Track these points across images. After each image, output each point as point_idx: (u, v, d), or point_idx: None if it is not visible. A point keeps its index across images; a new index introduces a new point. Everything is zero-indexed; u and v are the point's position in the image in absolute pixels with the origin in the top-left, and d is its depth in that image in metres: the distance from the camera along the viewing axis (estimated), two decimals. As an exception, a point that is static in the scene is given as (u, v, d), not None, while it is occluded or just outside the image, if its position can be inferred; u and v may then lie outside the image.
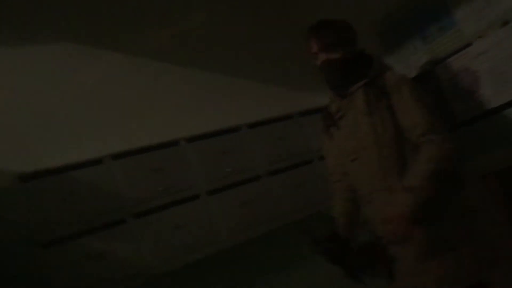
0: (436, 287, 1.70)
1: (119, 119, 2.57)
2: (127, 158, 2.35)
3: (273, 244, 2.73)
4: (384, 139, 1.80)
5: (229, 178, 2.55)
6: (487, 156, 2.33)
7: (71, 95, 2.48)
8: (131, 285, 2.17)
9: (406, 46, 2.61)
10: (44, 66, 2.46)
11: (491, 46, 2.23)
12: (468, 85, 2.35)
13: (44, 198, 2.12)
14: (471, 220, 1.77)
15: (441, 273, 1.70)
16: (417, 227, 1.70)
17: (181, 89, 2.82)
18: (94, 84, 2.56)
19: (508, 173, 2.47)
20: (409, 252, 1.75)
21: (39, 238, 2.05)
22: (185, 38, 2.89)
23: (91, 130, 2.47)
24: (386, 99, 1.82)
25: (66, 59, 2.51)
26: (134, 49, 2.72)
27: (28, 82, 2.41)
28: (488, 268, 1.76)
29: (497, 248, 1.82)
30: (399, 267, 1.81)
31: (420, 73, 2.55)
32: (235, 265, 2.61)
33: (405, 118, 1.78)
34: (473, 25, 2.28)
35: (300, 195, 2.70)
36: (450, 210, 1.75)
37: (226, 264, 2.57)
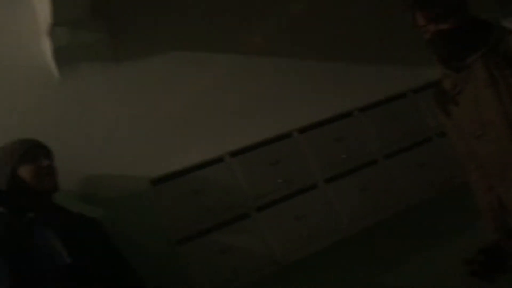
0: None
1: (233, 118, 2.65)
2: (244, 155, 2.43)
3: (397, 230, 2.66)
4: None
5: (345, 165, 2.53)
6: None
7: (187, 100, 2.62)
8: (261, 275, 2.25)
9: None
10: (162, 75, 2.62)
11: None
12: None
13: (174, 199, 2.25)
14: None
15: None
16: None
17: (288, 81, 2.83)
18: (206, 87, 2.67)
19: None
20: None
21: (174, 237, 2.20)
22: (287, 28, 2.90)
23: (209, 131, 2.59)
24: (509, 67, 1.66)
25: (180, 66, 2.65)
26: (238, 48, 2.79)
27: (149, 92, 2.58)
28: None
29: None
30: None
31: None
32: (359, 253, 2.59)
33: None
34: None
35: (421, 176, 2.58)
36: None
37: (350, 252, 2.57)
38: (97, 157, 2.38)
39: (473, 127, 1.77)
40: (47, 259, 1.60)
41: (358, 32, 3.01)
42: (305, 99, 2.80)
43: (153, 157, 2.46)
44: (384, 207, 2.48)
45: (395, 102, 2.73)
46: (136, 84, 2.57)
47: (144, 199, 2.35)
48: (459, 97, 1.81)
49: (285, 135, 2.52)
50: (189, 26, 2.71)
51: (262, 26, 2.88)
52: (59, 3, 2.15)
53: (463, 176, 2.01)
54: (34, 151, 1.90)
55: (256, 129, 2.59)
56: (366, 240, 2.59)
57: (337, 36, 2.98)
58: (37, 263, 1.58)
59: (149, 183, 2.27)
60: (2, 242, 1.55)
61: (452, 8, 1.75)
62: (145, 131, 2.50)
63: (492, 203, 1.85)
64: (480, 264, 1.73)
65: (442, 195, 2.60)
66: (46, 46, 2.40)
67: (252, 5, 2.86)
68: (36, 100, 2.38)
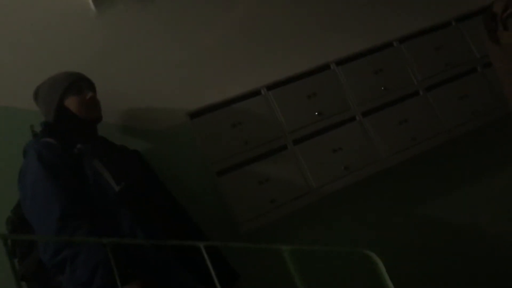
0: None
1: (270, 51, 2.61)
2: (282, 87, 2.41)
3: (436, 162, 2.64)
4: None
5: (384, 97, 2.48)
6: None
7: (222, 33, 2.58)
8: (298, 206, 2.29)
9: None
10: (198, 9, 2.59)
11: None
12: None
13: (212, 131, 2.28)
14: None
15: None
16: None
17: (324, 11, 2.75)
18: (241, 20, 2.62)
19: None
20: None
21: (213, 169, 2.24)
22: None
23: (246, 64, 2.56)
24: None
25: (214, 1, 2.61)
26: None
27: (186, 25, 2.56)
28: None
29: None
30: None
31: None
32: (397, 186, 2.59)
33: None
34: None
35: (465, 108, 2.51)
36: None
37: (388, 184, 2.57)
38: (136, 90, 2.40)
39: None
40: (97, 188, 1.66)
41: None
42: (343, 30, 2.72)
43: (191, 90, 2.47)
44: (424, 139, 2.44)
45: (439, 32, 2.62)
46: (173, 18, 2.54)
47: (183, 132, 2.38)
48: (510, 21, 1.72)
49: (322, 67, 2.48)
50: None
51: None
52: None
53: (506, 108, 1.95)
54: (78, 83, 1.93)
55: (293, 62, 2.56)
56: (405, 173, 2.58)
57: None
58: (88, 191, 1.64)
59: (187, 116, 2.28)
60: (57, 168, 1.61)
61: None
62: (182, 64, 2.50)
63: None
64: None
65: (484, 127, 2.53)
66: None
67: None
68: (74, 34, 2.39)
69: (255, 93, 2.39)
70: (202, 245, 0.74)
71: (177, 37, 2.52)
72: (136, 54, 2.45)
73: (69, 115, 1.87)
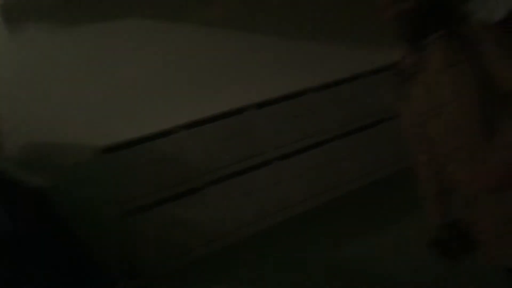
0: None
1: (189, 90, 2.62)
2: (199, 128, 2.39)
3: (345, 209, 2.71)
4: (467, 93, 1.69)
5: (299, 142, 2.54)
6: None
7: (143, 68, 2.55)
8: (212, 251, 2.24)
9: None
10: (119, 42, 2.55)
11: None
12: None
13: (125, 169, 2.21)
14: None
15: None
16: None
17: (248, 56, 2.81)
18: (164, 56, 2.61)
19: None
20: (497, 212, 1.66)
21: (123, 207, 2.15)
22: (251, 3, 2.86)
23: (164, 102, 2.53)
24: (468, 50, 1.69)
25: (136, 34, 2.57)
26: (201, 19, 2.73)
27: (105, 58, 2.50)
28: None
29: None
30: (483, 229, 1.73)
31: (500, 21, 2.37)
32: (308, 230, 2.61)
33: (491, 69, 1.65)
34: None
35: (373, 157, 2.64)
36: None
37: (299, 230, 2.58)
38: (47, 122, 2.28)
39: (428, 108, 1.81)
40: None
41: (321, 14, 3.01)
42: (263, 75, 2.78)
43: (106, 126, 2.39)
44: (335, 186, 2.51)
45: (352, 83, 2.75)
46: (91, 49, 2.47)
47: (94, 168, 2.27)
48: (417, 78, 1.84)
49: (240, 110, 2.51)
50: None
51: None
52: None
53: (410, 161, 2.05)
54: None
55: (213, 103, 2.56)
56: (317, 218, 2.61)
57: (300, 16, 2.97)
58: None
59: (100, 151, 2.19)
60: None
61: None
62: (98, 98, 2.41)
63: (438, 187, 1.91)
64: (446, 243, 1.82)
65: (392, 176, 2.66)
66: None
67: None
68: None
69: (171, 131, 2.35)
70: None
71: (94, 69, 2.45)
72: (49, 83, 2.34)
73: None
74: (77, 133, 2.32)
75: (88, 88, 2.41)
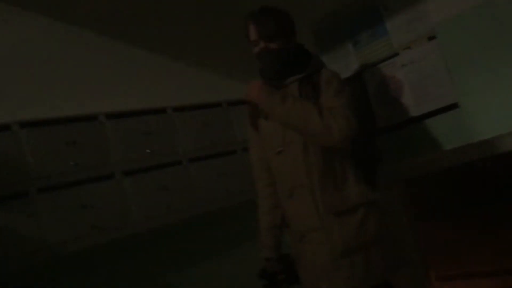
0: (346, 286, 1.73)
1: (36, 85, 2.38)
2: (38, 128, 2.16)
3: (187, 234, 2.68)
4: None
5: (148, 160, 2.45)
6: (401, 164, 2.45)
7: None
8: (31, 263, 2.00)
9: (338, 48, 2.66)
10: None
11: (417, 58, 2.33)
12: (392, 93, 2.45)
13: None
14: (381, 222, 1.83)
15: (351, 271, 1.74)
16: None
17: (107, 61, 2.66)
18: (13, 45, 2.34)
19: (417, 182, 2.62)
20: (323, 250, 1.77)
21: None
22: (117, 10, 2.74)
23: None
24: (316, 96, 1.82)
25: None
26: (61, 13, 2.52)
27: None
28: (393, 270, 1.84)
29: (401, 251, 1.91)
30: (311, 267, 1.83)
31: (350, 77, 2.61)
32: (145, 251, 2.52)
33: (323, 103, 1.78)
34: (402, 36, 2.38)
35: (221, 185, 2.65)
36: (364, 211, 1.79)
37: (135, 249, 2.48)
38: None
39: (276, 143, 1.89)
40: None
41: (191, 37, 3.01)
42: (121, 85, 2.68)
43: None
44: (179, 209, 2.46)
45: (210, 110, 2.77)
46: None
47: None
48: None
49: (90, 117, 2.34)
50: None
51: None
52: None
53: (254, 193, 2.11)
54: None
55: (60, 103, 2.37)
56: (154, 240, 2.53)
57: (168, 33, 2.93)
58: None
59: None
60: None
61: (284, 31, 1.87)
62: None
63: (276, 220, 1.99)
64: (273, 276, 1.88)
65: (237, 206, 2.70)
66: None
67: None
68: None
69: (4, 127, 2.08)
70: None
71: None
72: None
73: None
74: None
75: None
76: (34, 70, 2.41)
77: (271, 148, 1.93)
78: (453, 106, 2.23)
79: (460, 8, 2.14)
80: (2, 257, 1.92)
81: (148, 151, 2.45)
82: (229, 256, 2.80)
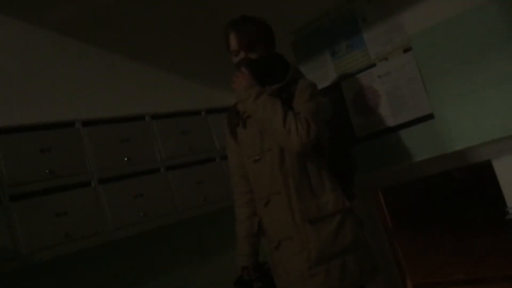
0: (320, 291, 1.74)
1: (11, 91, 2.35)
2: (10, 135, 2.11)
3: (164, 241, 2.66)
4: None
5: (125, 168, 2.42)
6: (377, 172, 2.48)
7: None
8: (4, 271, 1.96)
9: (317, 58, 2.69)
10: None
11: (393, 69, 2.38)
12: (369, 103, 2.48)
13: None
14: (357, 229, 1.85)
15: (326, 278, 1.75)
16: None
17: (85, 67, 2.64)
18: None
19: (393, 191, 2.65)
20: (299, 257, 1.78)
21: None
22: (97, 16, 2.73)
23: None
24: (289, 105, 1.83)
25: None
26: (36, 18, 2.49)
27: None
28: (368, 277, 1.85)
29: (377, 258, 1.93)
30: (287, 274, 1.83)
31: (328, 86, 2.64)
32: (119, 259, 2.49)
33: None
34: (379, 47, 2.42)
35: (199, 193, 2.63)
36: (340, 218, 1.81)
37: (111, 257, 2.44)
38: None
39: (254, 151, 1.89)
40: None
41: (170, 44, 3.02)
42: (99, 91, 2.64)
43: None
44: (156, 217, 2.44)
45: (189, 118, 2.76)
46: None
47: None
48: (248, 121, 1.93)
49: (66, 123, 2.30)
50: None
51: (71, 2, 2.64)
52: None
53: (232, 200, 2.12)
54: None
55: (33, 109, 2.32)
56: (129, 248, 2.51)
57: (149, 40, 2.93)
58: None
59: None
60: None
61: (264, 40, 1.89)
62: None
63: (253, 229, 1.99)
64: (248, 283, 1.89)
65: (213, 213, 2.69)
66: None
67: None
68: None
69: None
70: None
71: None
72: None
73: None
74: None
75: None
76: (9, 75, 2.36)
77: (248, 156, 1.93)
78: (429, 117, 2.28)
79: (435, 20, 2.20)
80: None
81: (125, 158, 2.42)
82: (207, 263, 2.79)
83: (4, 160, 2.07)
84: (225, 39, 1.92)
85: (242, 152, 2.00)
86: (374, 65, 2.46)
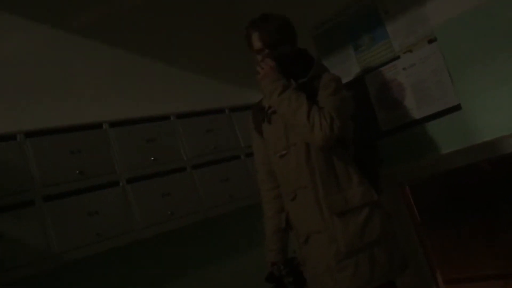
0: (350, 284, 1.74)
1: (40, 94, 2.41)
2: (42, 137, 2.18)
3: (191, 239, 2.68)
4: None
5: (151, 167, 2.45)
6: (405, 166, 2.45)
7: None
8: (38, 271, 2.01)
9: (339, 52, 2.67)
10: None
11: (418, 61, 2.35)
12: (393, 96, 2.46)
13: None
14: (386, 223, 1.84)
15: (356, 271, 1.74)
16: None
17: (111, 70, 2.69)
18: (12, 54, 2.37)
19: (420, 185, 2.62)
20: (328, 251, 1.78)
21: None
22: (120, 18, 2.78)
23: (4, 104, 2.28)
24: (314, 100, 1.83)
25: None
26: (62, 22, 2.55)
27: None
28: (398, 271, 1.84)
29: (406, 252, 1.91)
30: (316, 268, 1.83)
31: (351, 80, 2.62)
32: (149, 257, 2.52)
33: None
34: (402, 39, 2.39)
35: (225, 190, 2.65)
36: (368, 211, 1.80)
37: (139, 256, 2.48)
38: None
39: (279, 146, 1.90)
40: None
41: (192, 43, 3.05)
42: (124, 92, 2.70)
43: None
44: (184, 215, 2.47)
45: (213, 116, 2.78)
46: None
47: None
48: (273, 117, 1.94)
49: (93, 125, 2.36)
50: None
51: (94, 8, 2.70)
52: None
53: (258, 197, 2.13)
54: None
55: (62, 112, 2.38)
56: (158, 246, 2.54)
57: (171, 41, 2.97)
58: None
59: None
60: None
61: (287, 37, 1.89)
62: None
63: (281, 224, 2.00)
64: (279, 279, 1.90)
65: (239, 211, 2.71)
66: None
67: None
68: None
69: (10, 137, 2.10)
70: None
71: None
72: None
73: None
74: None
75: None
76: (38, 79, 2.43)
77: (274, 152, 1.94)
78: (456, 108, 2.24)
79: (460, 9, 2.15)
80: (9, 265, 1.93)
81: (152, 158, 2.46)
82: (234, 260, 2.80)
83: (36, 162, 2.13)
84: (247, 39, 1.93)
85: (268, 148, 2.01)
86: (398, 57, 2.42)
